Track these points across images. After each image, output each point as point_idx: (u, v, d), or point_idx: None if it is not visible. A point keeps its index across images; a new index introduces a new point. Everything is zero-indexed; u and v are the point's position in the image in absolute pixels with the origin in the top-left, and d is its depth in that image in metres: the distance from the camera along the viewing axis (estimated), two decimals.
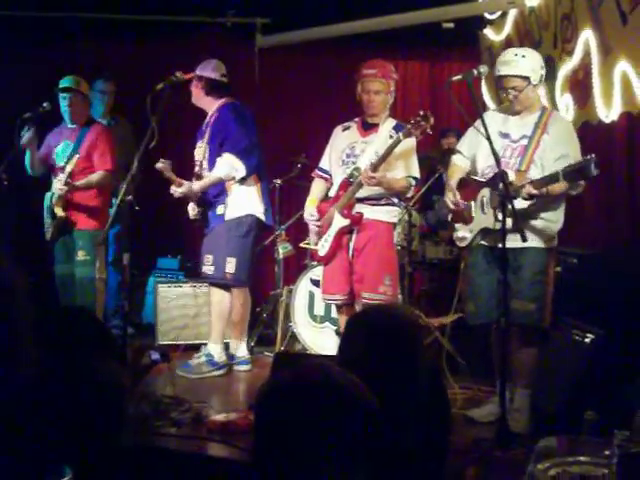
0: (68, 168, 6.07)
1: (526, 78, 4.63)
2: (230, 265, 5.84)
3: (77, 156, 6.09)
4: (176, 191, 5.83)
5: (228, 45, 7.86)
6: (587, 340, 4.60)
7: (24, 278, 1.66)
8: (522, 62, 4.63)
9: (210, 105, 6.00)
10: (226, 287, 5.94)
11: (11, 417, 1.58)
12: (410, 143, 5.29)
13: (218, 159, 5.81)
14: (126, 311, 5.03)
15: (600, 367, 4.44)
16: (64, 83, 6.23)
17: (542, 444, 3.15)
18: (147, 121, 5.04)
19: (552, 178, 4.38)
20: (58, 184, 6.03)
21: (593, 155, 4.22)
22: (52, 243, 6.23)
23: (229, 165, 5.78)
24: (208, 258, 5.91)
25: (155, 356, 4.72)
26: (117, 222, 5.60)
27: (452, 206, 4.84)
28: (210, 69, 5.94)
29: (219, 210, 5.88)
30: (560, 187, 4.47)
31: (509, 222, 4.36)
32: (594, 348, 4.54)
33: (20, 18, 7.57)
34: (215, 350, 5.88)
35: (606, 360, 4.44)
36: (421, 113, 5.06)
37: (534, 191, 4.40)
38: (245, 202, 5.89)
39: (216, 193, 5.90)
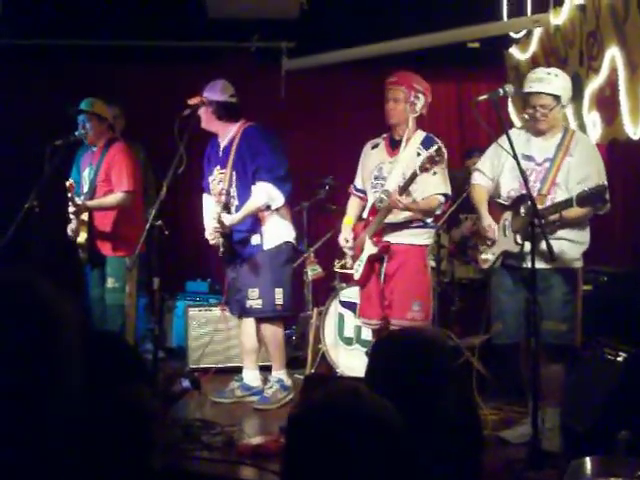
0: (85, 189, 6.16)
1: (557, 97, 4.59)
2: (278, 296, 5.67)
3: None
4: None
5: (254, 69, 7.92)
6: (619, 359, 4.56)
7: (72, 306, 1.66)
8: (555, 81, 4.60)
9: (223, 129, 5.74)
10: (274, 318, 5.78)
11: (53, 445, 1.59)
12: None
13: (253, 188, 5.58)
14: (156, 335, 5.03)
15: (633, 386, 4.39)
16: (80, 105, 6.23)
17: (575, 465, 3.12)
18: (165, 144, 5.07)
19: (566, 203, 4.37)
20: (70, 208, 6.04)
21: (606, 182, 4.24)
22: (88, 268, 6.26)
23: (266, 194, 5.56)
24: (253, 292, 5.65)
25: (185, 383, 4.74)
26: (147, 247, 5.58)
27: (490, 235, 4.80)
28: (218, 92, 5.69)
29: (254, 240, 5.65)
30: (576, 212, 4.46)
31: (529, 246, 4.37)
32: (627, 366, 4.50)
33: (38, 46, 7.69)
34: (284, 375, 5.79)
35: (639, 378, 4.40)
36: (435, 147, 4.93)
37: (549, 217, 4.40)
38: (282, 230, 5.74)
39: (249, 223, 5.64)
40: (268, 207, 5.62)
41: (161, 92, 7.96)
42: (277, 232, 5.71)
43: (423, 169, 4.92)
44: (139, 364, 2.58)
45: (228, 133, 5.74)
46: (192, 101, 5.53)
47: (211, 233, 5.69)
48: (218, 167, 5.76)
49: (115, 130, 6.88)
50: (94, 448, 1.86)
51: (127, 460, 1.93)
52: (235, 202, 5.67)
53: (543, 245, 4.28)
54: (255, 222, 5.66)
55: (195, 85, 5.73)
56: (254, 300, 5.65)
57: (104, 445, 1.89)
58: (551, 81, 4.59)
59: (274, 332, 5.79)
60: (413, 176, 5.00)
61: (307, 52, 7.66)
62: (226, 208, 5.65)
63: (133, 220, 6.21)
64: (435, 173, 5.00)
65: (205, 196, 5.96)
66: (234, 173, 5.67)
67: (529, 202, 4.33)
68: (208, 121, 5.71)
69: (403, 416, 1.75)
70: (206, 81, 5.72)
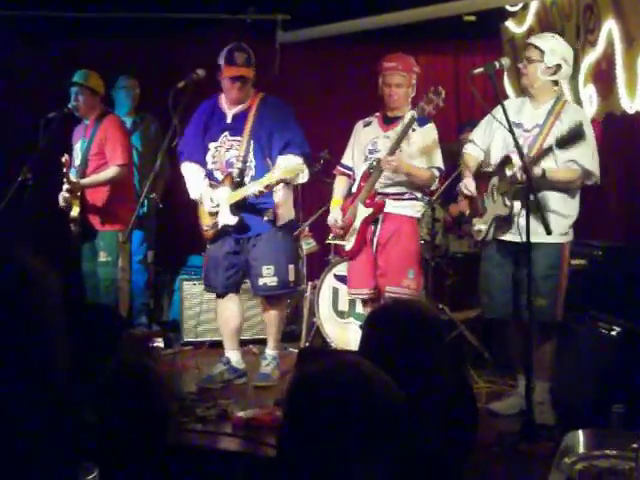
0: (77, 162, 6.13)
1: (542, 52, 4.60)
2: (291, 273, 5.54)
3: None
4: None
5: (249, 41, 7.85)
6: (614, 333, 4.57)
7: (54, 275, 1.64)
8: (548, 39, 4.68)
9: (247, 96, 5.53)
10: (283, 296, 5.72)
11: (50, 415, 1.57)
12: (432, 134, 5.28)
13: (281, 159, 5.35)
14: (151, 309, 5.02)
15: (627, 360, 4.40)
16: (74, 77, 6.21)
17: (569, 438, 3.12)
18: (169, 118, 5.06)
19: (547, 151, 4.47)
20: (65, 185, 5.99)
21: (581, 121, 4.39)
22: (80, 241, 6.24)
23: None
24: (268, 269, 5.44)
25: (157, 343, 4.70)
26: (142, 221, 5.50)
27: (466, 192, 4.87)
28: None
29: (267, 216, 5.39)
30: (565, 174, 4.51)
31: (518, 206, 4.47)
32: (621, 341, 4.51)
33: (43, 18, 7.62)
34: (278, 355, 5.70)
35: (633, 352, 4.41)
36: (432, 89, 5.09)
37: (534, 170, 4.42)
38: (290, 206, 5.61)
39: (263, 197, 5.33)
40: (286, 182, 5.34)
41: (155, 64, 7.90)
42: (287, 208, 5.58)
43: (421, 110, 5.12)
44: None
45: (244, 102, 5.52)
46: (248, 73, 5.43)
47: (214, 206, 5.41)
48: (227, 133, 5.47)
49: (132, 102, 7.06)
50: (105, 423, 1.86)
51: (141, 433, 1.92)
52: (251, 172, 5.40)
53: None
54: (268, 197, 5.40)
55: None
56: (269, 277, 5.45)
57: (115, 419, 1.88)
58: (544, 38, 4.70)
59: (280, 311, 5.68)
60: (411, 121, 5.13)
61: (302, 25, 7.61)
62: (241, 176, 5.39)
63: (125, 194, 6.22)
64: (435, 140, 5.25)
65: (187, 164, 5.59)
66: (252, 141, 5.42)
67: (521, 162, 4.33)
68: (247, 89, 5.52)
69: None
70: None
